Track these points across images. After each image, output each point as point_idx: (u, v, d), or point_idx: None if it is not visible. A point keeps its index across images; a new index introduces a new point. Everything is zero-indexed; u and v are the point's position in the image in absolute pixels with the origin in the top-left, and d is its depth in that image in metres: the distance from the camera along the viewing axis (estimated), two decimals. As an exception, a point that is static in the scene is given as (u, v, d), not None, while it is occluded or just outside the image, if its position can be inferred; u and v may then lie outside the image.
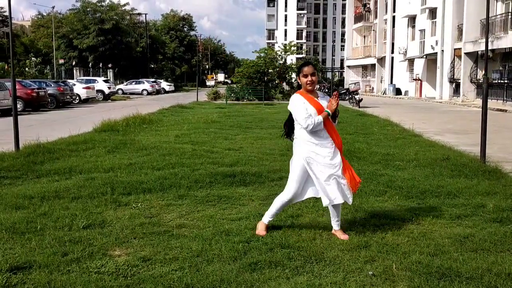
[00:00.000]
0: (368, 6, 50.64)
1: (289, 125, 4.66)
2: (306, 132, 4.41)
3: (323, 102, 4.47)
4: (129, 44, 57.37)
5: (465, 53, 30.94)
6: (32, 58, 38.87)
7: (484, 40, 11.24)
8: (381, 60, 47.94)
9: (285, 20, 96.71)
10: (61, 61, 47.42)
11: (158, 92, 49.27)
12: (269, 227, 4.68)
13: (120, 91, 45.17)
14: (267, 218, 4.68)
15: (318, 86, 4.80)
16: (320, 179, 4.41)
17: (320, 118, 4.34)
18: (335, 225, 4.62)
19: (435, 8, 35.50)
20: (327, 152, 4.40)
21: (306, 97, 4.45)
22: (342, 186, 4.42)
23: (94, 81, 36.62)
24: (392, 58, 45.70)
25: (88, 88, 32.22)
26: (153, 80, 52.25)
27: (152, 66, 64.97)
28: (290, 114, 4.57)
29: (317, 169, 4.42)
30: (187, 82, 79.75)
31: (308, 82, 4.40)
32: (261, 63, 34.04)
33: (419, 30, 39.58)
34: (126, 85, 48.61)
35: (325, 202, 4.43)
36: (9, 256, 4.02)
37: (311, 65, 4.45)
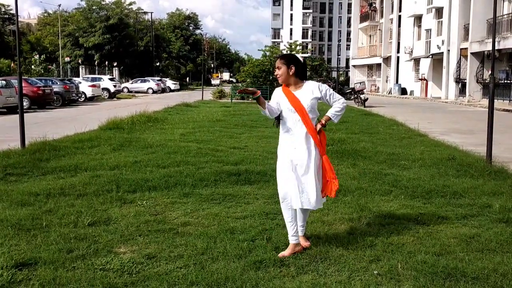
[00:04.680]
0: (374, 5, 50.52)
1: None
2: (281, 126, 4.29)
3: (302, 93, 4.21)
4: (134, 41, 57.43)
5: (471, 53, 30.81)
6: (35, 56, 38.95)
7: (490, 40, 11.18)
8: (387, 60, 47.80)
9: (291, 19, 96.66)
10: (67, 59, 47.60)
11: (163, 90, 49.37)
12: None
13: (125, 89, 45.26)
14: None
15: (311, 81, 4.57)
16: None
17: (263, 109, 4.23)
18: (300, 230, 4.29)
19: (441, 8, 35.36)
20: (291, 150, 4.15)
21: (284, 91, 4.34)
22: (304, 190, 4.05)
23: (99, 79, 36.74)
24: (398, 57, 45.54)
25: (93, 86, 32.30)
26: (158, 78, 52.36)
27: (157, 64, 65.06)
28: None
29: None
30: (193, 81, 79.83)
31: (277, 76, 4.33)
32: (266, 62, 33.99)
33: (425, 30, 39.41)
34: (132, 83, 48.76)
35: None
36: (14, 253, 4.03)
37: (278, 58, 4.31)
